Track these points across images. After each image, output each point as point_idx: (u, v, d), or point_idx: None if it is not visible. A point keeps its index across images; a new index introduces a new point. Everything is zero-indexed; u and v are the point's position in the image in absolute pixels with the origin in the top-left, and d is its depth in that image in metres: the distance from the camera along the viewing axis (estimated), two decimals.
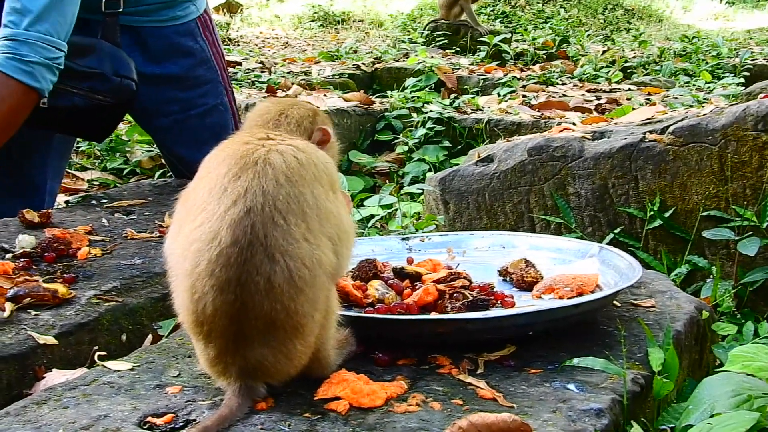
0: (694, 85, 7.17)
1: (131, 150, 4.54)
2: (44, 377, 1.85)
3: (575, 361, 1.68)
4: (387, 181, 4.77)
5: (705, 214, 2.91)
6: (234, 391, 1.52)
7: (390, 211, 3.86)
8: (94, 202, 2.90)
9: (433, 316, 1.83)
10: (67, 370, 1.86)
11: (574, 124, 4.02)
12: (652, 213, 2.95)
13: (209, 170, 1.57)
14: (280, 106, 1.75)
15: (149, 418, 1.53)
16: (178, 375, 1.71)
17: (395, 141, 5.30)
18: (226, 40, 12.63)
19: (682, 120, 3.06)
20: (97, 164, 4.56)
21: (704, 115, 3.03)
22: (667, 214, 2.95)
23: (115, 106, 2.76)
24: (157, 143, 3.33)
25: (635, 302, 2.09)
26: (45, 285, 2.09)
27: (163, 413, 1.54)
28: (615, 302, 2.07)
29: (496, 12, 16.24)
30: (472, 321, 1.75)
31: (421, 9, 17.12)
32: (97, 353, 1.90)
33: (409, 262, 2.22)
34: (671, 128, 3.02)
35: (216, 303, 1.47)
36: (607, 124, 3.61)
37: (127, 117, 4.51)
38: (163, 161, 4.53)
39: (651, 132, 3.07)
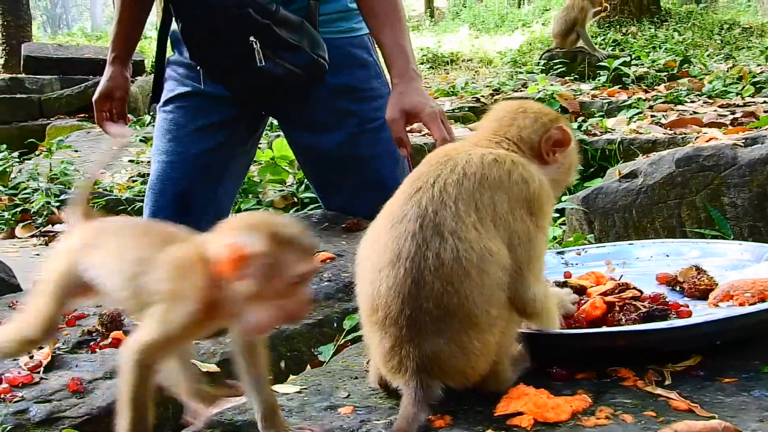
0: None
1: (263, 191, 4.58)
2: (220, 413, 1.82)
3: None
4: None
5: None
6: (409, 398, 1.47)
7: None
8: None
9: (627, 327, 1.71)
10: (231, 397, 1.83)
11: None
12: None
13: None
14: (521, 104, 1.74)
15: None
16: (347, 396, 1.66)
17: None
18: None
19: None
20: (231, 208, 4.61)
21: None
22: None
23: (306, 82, 2.83)
24: (315, 167, 3.23)
25: None
26: None
27: None
28: None
29: (606, 41, 15.96)
30: (659, 332, 1.64)
31: (530, 44, 16.99)
32: None
33: (567, 276, 2.12)
34: None
35: (389, 279, 1.48)
36: (757, 131, 3.43)
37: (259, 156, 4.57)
38: (295, 199, 4.56)
39: None
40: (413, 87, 2.63)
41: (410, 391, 1.49)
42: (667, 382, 1.59)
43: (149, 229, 1.60)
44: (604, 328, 1.74)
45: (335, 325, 2.17)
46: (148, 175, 3.20)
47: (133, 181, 5.76)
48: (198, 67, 2.92)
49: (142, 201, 3.27)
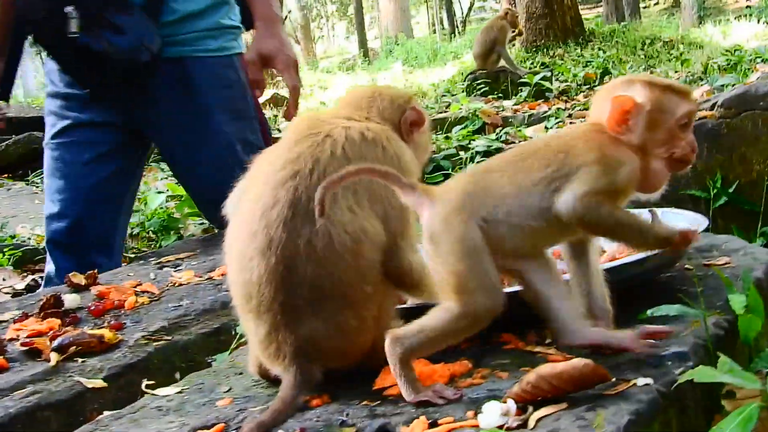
0: None
1: (184, 225, 4.52)
2: (96, 421, 1.77)
3: (649, 312, 1.55)
4: None
5: None
6: (288, 382, 1.43)
7: None
8: (142, 261, 2.85)
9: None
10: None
11: None
12: (715, 191, 2.80)
13: (279, 141, 1.59)
14: (374, 87, 1.76)
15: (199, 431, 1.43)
16: (228, 390, 1.63)
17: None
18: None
19: (730, 92, 2.94)
20: (152, 245, 4.54)
21: (751, 83, 2.91)
22: (731, 189, 2.80)
23: (126, 68, 2.78)
24: (191, 182, 3.19)
25: (708, 262, 1.94)
26: (90, 332, 2.03)
27: (213, 424, 1.45)
28: (687, 265, 1.93)
29: (535, 64, 16.21)
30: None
31: (461, 73, 17.17)
32: (148, 387, 1.82)
33: None
34: (719, 101, 2.89)
35: (260, 268, 1.44)
36: None
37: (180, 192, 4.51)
38: (216, 231, 4.50)
39: (700, 110, 2.94)
40: (272, 32, 2.81)
41: (289, 376, 1.46)
42: (547, 341, 1.58)
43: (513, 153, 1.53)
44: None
45: (232, 332, 2.12)
46: None
47: None
48: (77, 95, 2.87)
49: None
